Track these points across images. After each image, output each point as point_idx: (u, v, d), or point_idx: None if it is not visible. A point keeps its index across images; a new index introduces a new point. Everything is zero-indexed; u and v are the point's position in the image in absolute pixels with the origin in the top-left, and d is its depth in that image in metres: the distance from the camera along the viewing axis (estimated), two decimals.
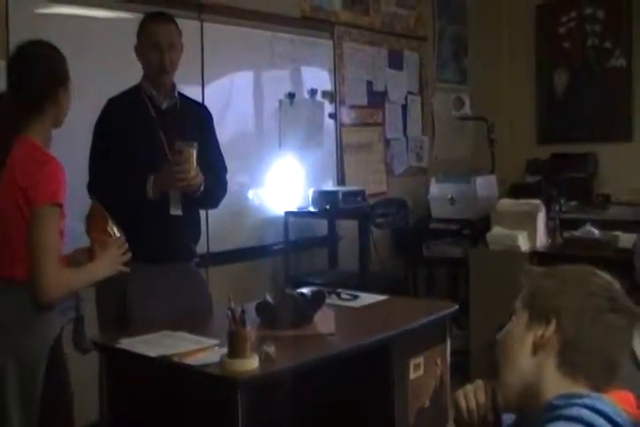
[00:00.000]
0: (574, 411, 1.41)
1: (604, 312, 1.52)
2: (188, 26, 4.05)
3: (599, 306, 1.52)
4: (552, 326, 1.53)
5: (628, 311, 1.53)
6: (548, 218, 5.04)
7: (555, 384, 1.52)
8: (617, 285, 1.58)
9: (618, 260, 4.45)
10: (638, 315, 1.54)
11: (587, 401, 1.43)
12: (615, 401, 1.46)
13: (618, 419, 1.40)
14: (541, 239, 4.91)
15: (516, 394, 1.56)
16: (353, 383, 3.04)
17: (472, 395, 1.67)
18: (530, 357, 1.55)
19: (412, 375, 3.03)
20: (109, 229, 2.70)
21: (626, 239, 4.65)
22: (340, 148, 5.66)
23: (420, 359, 3.06)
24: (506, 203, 5.14)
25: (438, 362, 3.18)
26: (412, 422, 3.03)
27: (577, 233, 4.89)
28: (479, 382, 1.69)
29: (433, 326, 3.17)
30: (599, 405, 1.42)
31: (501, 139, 6.49)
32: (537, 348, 1.55)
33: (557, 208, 5.29)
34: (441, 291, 5.99)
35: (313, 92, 5.41)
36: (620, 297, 1.55)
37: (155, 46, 3.27)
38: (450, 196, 5.81)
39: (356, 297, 3.40)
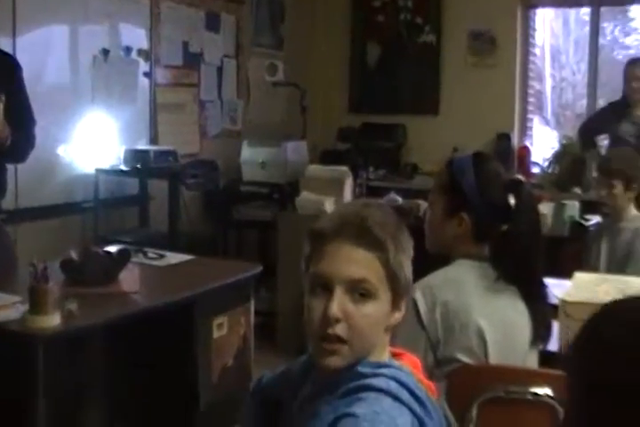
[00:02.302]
0: (383, 383, 1.44)
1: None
2: None
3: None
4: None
5: None
6: (356, 185, 5.19)
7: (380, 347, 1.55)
8: None
9: (418, 227, 4.63)
10: None
11: (393, 372, 1.47)
12: (410, 368, 1.53)
13: (417, 392, 1.46)
14: None
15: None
16: (158, 342, 3.07)
17: None
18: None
19: (216, 334, 3.09)
20: None
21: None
22: (154, 107, 5.61)
23: (224, 319, 3.13)
24: (315, 169, 5.25)
25: (242, 322, 3.26)
26: (215, 381, 3.10)
27: (381, 200, 5.06)
28: None
29: (237, 287, 3.24)
30: (403, 377, 1.47)
31: (314, 106, 6.60)
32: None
33: (365, 175, 5.45)
34: (251, 253, 6.07)
35: (128, 49, 5.32)
36: None
37: None
38: (261, 160, 5.88)
39: (162, 256, 3.43)
